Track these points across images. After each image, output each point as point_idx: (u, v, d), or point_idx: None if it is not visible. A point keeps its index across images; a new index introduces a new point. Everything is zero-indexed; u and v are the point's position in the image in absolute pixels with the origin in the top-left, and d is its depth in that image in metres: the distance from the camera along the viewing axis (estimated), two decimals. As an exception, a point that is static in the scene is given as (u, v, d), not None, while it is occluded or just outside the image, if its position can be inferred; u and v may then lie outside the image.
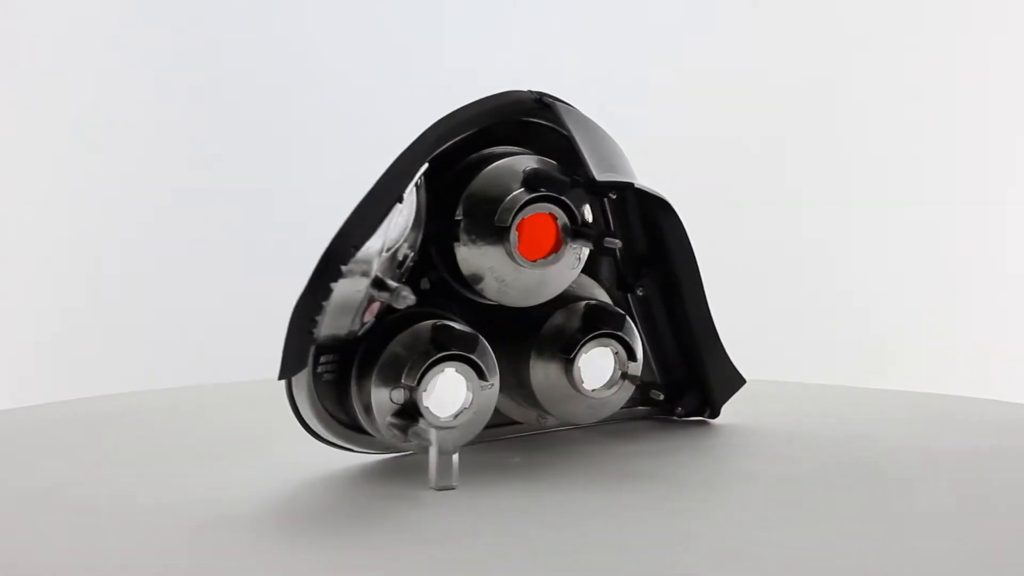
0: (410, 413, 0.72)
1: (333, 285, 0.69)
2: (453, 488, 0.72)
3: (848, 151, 1.98)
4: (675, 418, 0.88)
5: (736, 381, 0.87)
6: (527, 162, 0.75)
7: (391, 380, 0.72)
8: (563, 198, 0.75)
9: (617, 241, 0.75)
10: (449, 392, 0.74)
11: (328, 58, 1.92)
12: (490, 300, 0.77)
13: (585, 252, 0.78)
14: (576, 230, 0.75)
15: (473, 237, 0.75)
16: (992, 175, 2.01)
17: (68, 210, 1.91)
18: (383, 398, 0.72)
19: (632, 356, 0.79)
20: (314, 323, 0.69)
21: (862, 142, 1.98)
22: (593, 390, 0.80)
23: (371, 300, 0.71)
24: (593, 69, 1.92)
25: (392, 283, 0.70)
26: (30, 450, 0.88)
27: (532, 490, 0.73)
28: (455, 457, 0.72)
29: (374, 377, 0.72)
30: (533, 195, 0.74)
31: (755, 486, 0.74)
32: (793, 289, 1.91)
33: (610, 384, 0.80)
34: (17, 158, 1.91)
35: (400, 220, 0.72)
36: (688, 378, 0.87)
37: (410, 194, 0.72)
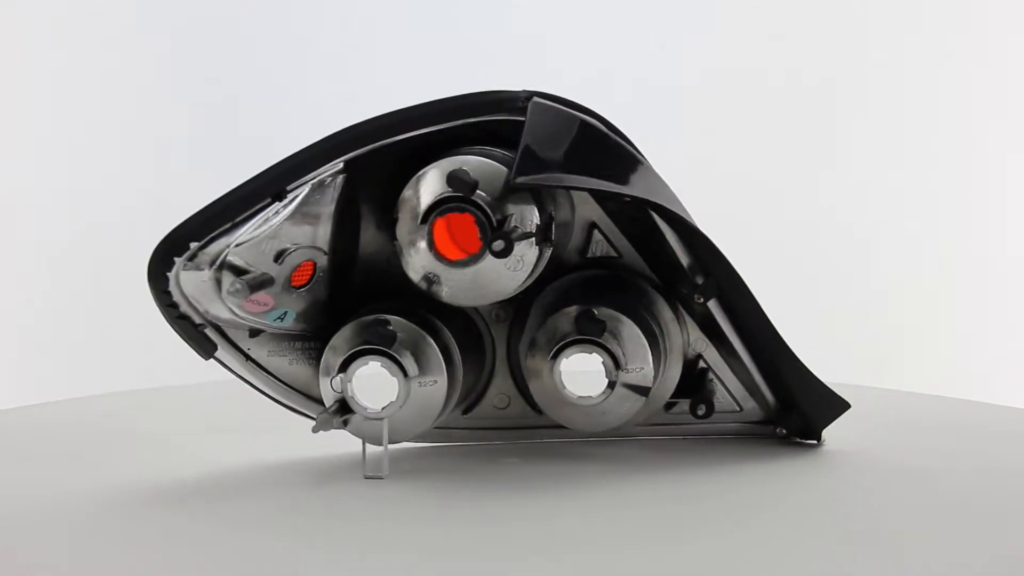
0: (343, 401, 0.75)
1: (168, 275, 0.72)
2: (381, 478, 0.75)
3: (849, 151, 1.98)
4: (778, 438, 0.85)
5: (837, 405, 0.83)
6: (461, 163, 0.73)
7: (331, 369, 0.75)
8: (475, 199, 0.72)
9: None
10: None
11: (327, 59, 1.93)
12: (446, 300, 0.76)
13: (531, 254, 0.74)
14: (494, 232, 0.72)
15: (405, 237, 0.74)
16: (994, 175, 2.00)
17: (67, 209, 1.92)
18: (326, 385, 0.75)
19: (618, 364, 0.77)
20: (175, 308, 0.73)
21: (863, 142, 1.98)
22: (579, 397, 0.78)
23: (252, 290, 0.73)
24: (592, 69, 1.92)
25: (250, 272, 0.72)
26: (28, 449, 0.90)
27: (517, 489, 0.74)
28: (385, 448, 0.75)
29: (321, 364, 0.76)
30: (442, 195, 0.73)
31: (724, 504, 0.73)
32: (793, 290, 1.90)
33: (602, 392, 0.78)
34: (16, 157, 1.92)
35: (281, 214, 0.73)
36: (791, 398, 0.83)
37: (302, 192, 0.74)
